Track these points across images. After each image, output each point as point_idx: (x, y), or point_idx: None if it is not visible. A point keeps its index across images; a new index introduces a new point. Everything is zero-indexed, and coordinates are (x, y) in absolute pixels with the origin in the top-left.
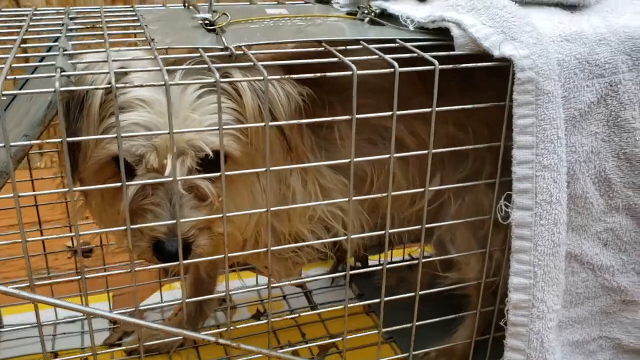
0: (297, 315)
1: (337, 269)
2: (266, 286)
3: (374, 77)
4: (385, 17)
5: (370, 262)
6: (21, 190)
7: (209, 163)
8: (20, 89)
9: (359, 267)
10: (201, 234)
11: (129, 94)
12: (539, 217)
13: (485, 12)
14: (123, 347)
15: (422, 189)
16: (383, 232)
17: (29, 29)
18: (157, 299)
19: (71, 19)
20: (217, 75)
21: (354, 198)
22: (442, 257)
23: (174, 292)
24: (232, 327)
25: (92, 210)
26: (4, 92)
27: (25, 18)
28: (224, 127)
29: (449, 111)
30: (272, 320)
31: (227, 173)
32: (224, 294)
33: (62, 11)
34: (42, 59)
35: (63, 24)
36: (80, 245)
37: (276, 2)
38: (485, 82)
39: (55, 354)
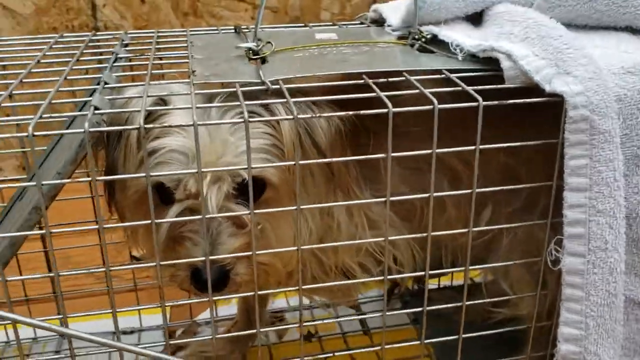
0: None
1: (393, 292)
2: (317, 306)
3: (425, 102)
4: (436, 43)
5: (430, 287)
6: None
7: (245, 188)
8: (67, 126)
9: (416, 290)
10: (240, 262)
11: (167, 121)
12: (592, 265)
13: (539, 42)
14: None
15: (465, 230)
16: (423, 273)
17: (80, 58)
18: (209, 314)
19: (124, 45)
20: (246, 114)
21: (389, 238)
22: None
23: (228, 308)
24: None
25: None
26: (34, 134)
27: (80, 45)
28: (261, 154)
29: (502, 139)
30: (323, 341)
31: (256, 211)
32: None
33: (119, 35)
34: (91, 93)
35: (113, 53)
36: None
37: (330, 23)
38: (543, 111)
39: None
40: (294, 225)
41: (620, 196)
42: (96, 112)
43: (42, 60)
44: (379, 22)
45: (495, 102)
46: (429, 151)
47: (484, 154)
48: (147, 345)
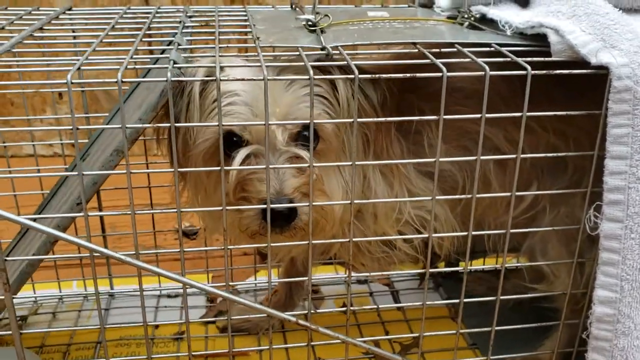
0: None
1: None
2: (353, 281)
3: (471, 82)
4: (485, 22)
5: (461, 270)
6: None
7: (305, 139)
8: (143, 77)
9: (448, 272)
10: (304, 199)
11: (226, 86)
12: (630, 230)
13: (587, 19)
14: (217, 323)
15: (509, 194)
16: (466, 233)
17: (151, 25)
18: (251, 282)
19: (189, 17)
20: (311, 72)
21: (437, 197)
22: (529, 264)
23: (266, 278)
24: (316, 313)
25: (196, 194)
26: (123, 80)
27: (149, 15)
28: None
29: (550, 119)
30: (357, 314)
31: (316, 165)
32: (311, 281)
33: (181, 10)
34: (162, 51)
35: (181, 22)
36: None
37: (380, 5)
38: (590, 92)
39: (156, 326)
40: (340, 180)
41: None
42: (175, 65)
43: (115, 29)
44: (427, 6)
45: (543, 72)
46: (479, 115)
47: (532, 134)
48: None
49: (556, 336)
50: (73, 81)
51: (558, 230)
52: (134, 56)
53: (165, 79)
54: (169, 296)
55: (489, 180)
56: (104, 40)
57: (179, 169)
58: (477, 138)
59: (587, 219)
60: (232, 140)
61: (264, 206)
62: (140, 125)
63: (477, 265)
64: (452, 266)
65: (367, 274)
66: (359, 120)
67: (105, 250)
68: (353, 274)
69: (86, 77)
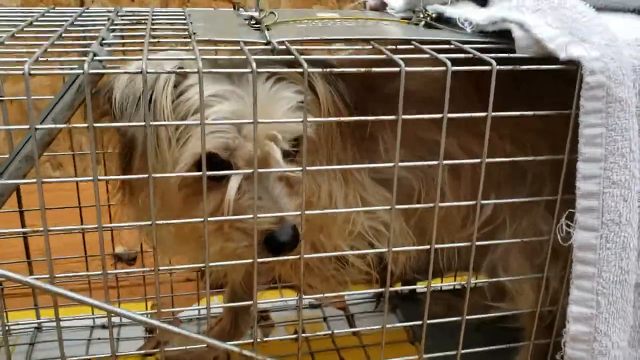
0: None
1: (382, 295)
2: (305, 306)
3: (424, 87)
4: (442, 21)
5: (418, 290)
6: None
7: (286, 154)
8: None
9: (405, 294)
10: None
11: (188, 90)
12: (605, 240)
13: (552, 13)
14: (155, 355)
15: (473, 202)
16: (429, 247)
17: (76, 22)
18: (194, 311)
19: (119, 16)
20: (254, 65)
21: (397, 207)
22: (492, 280)
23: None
24: (263, 341)
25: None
26: (31, 72)
27: (74, 14)
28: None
29: (506, 126)
30: (310, 341)
31: (308, 169)
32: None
33: (112, 10)
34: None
35: (109, 19)
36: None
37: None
38: (550, 97)
39: None
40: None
41: (635, 168)
42: (95, 58)
43: (35, 24)
44: (379, 10)
45: (509, 67)
46: (440, 115)
47: (488, 142)
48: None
49: (522, 357)
50: None
51: (520, 244)
52: (51, 50)
53: (81, 70)
54: (103, 327)
55: (443, 191)
56: (17, 35)
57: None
58: (433, 147)
59: (559, 229)
60: (214, 165)
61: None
62: (52, 126)
63: (435, 284)
64: (408, 285)
65: (318, 296)
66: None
67: (10, 274)
68: (303, 297)
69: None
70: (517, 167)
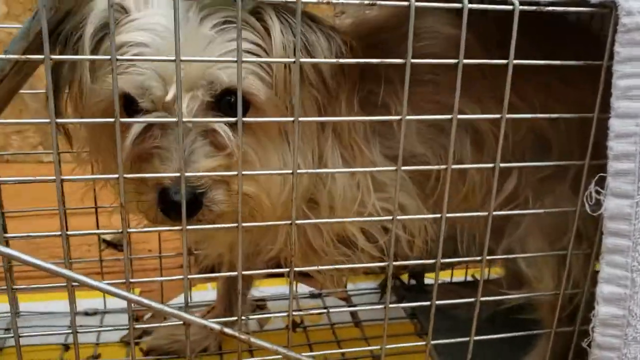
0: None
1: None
2: (305, 295)
3: (446, 50)
4: None
5: (426, 282)
6: None
7: (229, 108)
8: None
9: (413, 285)
10: (216, 187)
11: (132, 22)
12: None
13: None
14: (140, 345)
15: (491, 165)
16: (439, 215)
17: None
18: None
19: None
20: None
21: (403, 167)
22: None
23: (203, 293)
24: (260, 331)
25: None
26: None
27: None
28: (244, 59)
29: (536, 94)
30: (309, 331)
31: (245, 119)
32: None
33: None
34: None
35: None
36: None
37: None
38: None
39: (66, 347)
40: (282, 161)
41: None
42: None
43: None
44: None
45: (533, 7)
46: (455, 60)
47: (514, 112)
48: (109, 329)
49: (540, 351)
50: None
51: (541, 226)
52: None
53: None
54: (86, 314)
55: (464, 163)
56: None
57: (58, 120)
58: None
59: (587, 197)
60: (130, 106)
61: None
62: (4, 56)
63: (445, 277)
64: (416, 277)
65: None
66: (302, 60)
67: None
68: (306, 287)
69: None
70: (543, 141)
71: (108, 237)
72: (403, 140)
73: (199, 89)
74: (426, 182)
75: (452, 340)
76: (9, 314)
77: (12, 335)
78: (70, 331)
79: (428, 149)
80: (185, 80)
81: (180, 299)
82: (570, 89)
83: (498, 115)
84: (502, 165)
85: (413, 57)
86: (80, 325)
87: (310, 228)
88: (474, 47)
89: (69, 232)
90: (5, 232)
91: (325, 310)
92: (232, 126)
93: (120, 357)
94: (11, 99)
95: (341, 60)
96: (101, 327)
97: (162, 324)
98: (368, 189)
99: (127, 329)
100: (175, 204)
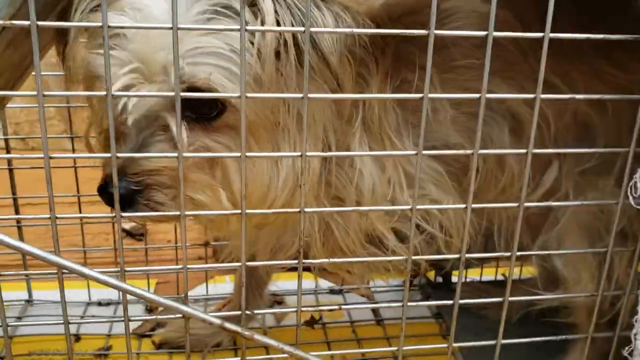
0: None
1: (412, 282)
2: (325, 290)
3: (479, 29)
4: None
5: (454, 280)
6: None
7: (208, 108)
8: None
9: (439, 283)
10: (158, 188)
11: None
12: None
13: None
14: (152, 338)
15: (524, 151)
16: (464, 206)
17: None
18: (202, 290)
19: None
20: None
21: (424, 152)
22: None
23: (221, 286)
24: (278, 327)
25: None
26: None
27: None
28: (222, 61)
29: (580, 77)
30: (328, 329)
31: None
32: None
33: None
34: None
35: None
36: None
37: None
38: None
39: (77, 338)
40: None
41: None
42: None
43: None
44: None
45: None
46: (484, 32)
47: (557, 103)
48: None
49: (573, 358)
50: None
51: (580, 222)
52: None
53: None
54: (99, 304)
55: (503, 156)
56: None
57: (46, 93)
58: (490, 102)
59: (632, 187)
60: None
61: None
62: None
63: (473, 275)
64: (442, 276)
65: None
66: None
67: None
68: (326, 282)
69: None
70: (588, 130)
71: (127, 226)
72: (424, 123)
73: (155, 84)
74: (463, 177)
75: (476, 343)
76: (20, 302)
77: (22, 323)
78: (80, 321)
79: (465, 138)
80: (148, 72)
81: (197, 291)
82: (621, 73)
83: (532, 95)
84: (535, 151)
85: (440, 40)
86: (92, 316)
87: (338, 228)
88: (513, 25)
89: (57, 216)
90: None
91: (337, 307)
92: (203, 124)
93: (132, 350)
94: (19, 78)
95: (355, 30)
96: (113, 317)
97: (161, 317)
98: (400, 186)
99: (139, 320)
100: (109, 198)
